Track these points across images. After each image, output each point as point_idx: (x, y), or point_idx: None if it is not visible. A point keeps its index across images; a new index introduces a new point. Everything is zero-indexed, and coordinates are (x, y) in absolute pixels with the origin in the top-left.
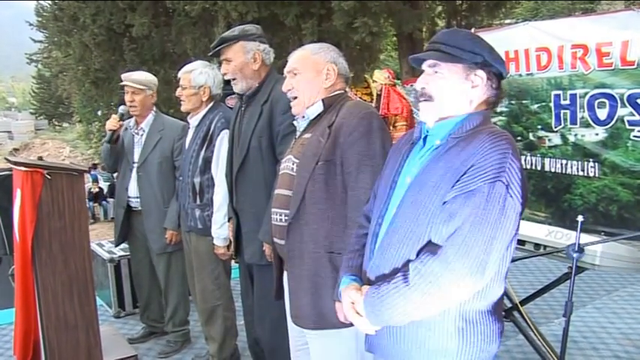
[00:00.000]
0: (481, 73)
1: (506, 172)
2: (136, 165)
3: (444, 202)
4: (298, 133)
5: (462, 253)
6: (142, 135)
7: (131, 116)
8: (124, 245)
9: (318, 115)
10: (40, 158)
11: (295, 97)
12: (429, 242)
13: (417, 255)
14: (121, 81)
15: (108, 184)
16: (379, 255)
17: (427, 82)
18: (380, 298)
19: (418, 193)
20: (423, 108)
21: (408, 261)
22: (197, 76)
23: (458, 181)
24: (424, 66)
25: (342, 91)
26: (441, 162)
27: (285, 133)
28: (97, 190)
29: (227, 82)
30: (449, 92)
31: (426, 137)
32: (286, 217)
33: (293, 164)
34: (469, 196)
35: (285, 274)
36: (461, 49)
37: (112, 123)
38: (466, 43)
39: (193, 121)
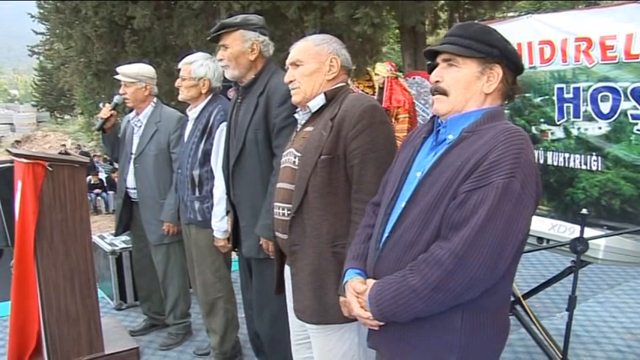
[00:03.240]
0: (497, 67)
1: (520, 169)
2: (133, 156)
3: (456, 197)
4: (299, 126)
5: (473, 249)
6: (140, 126)
7: (127, 106)
8: (125, 237)
9: (320, 107)
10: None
11: (296, 88)
12: (440, 237)
13: (427, 249)
14: None
15: (106, 176)
16: (387, 248)
17: (442, 75)
18: (386, 291)
19: (430, 187)
20: (437, 102)
21: (417, 255)
22: (197, 68)
23: (471, 175)
24: (439, 60)
25: (345, 84)
26: (453, 156)
27: (281, 125)
28: (97, 181)
29: None
30: (464, 86)
31: (438, 131)
32: (288, 211)
33: (295, 158)
34: (482, 192)
35: (286, 268)
36: (477, 43)
37: (103, 111)
38: (482, 37)
39: (192, 113)
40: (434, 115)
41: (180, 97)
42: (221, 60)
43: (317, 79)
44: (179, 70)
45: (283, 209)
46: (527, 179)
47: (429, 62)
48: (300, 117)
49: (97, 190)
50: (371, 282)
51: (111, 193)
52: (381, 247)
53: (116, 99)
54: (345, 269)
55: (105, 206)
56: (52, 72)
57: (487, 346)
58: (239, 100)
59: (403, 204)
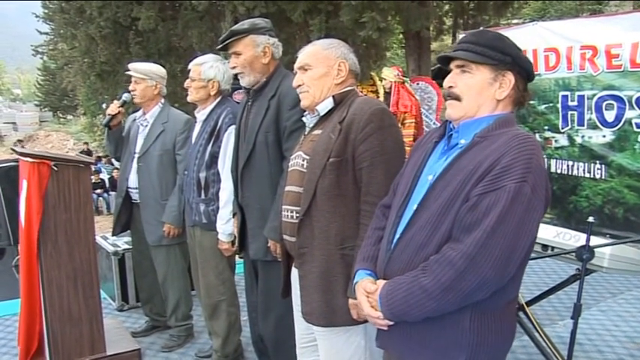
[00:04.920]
0: (509, 74)
1: (531, 174)
2: (136, 155)
3: (468, 200)
4: (307, 129)
5: (485, 251)
6: (146, 126)
7: (134, 104)
8: (127, 238)
9: (329, 111)
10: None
11: (305, 92)
12: (451, 238)
13: (438, 251)
14: (127, 74)
15: (108, 177)
16: (398, 249)
17: (455, 81)
18: (397, 291)
19: (442, 190)
20: (450, 107)
21: (428, 256)
22: (207, 69)
23: (483, 179)
24: (452, 65)
25: (353, 88)
26: (465, 160)
27: (292, 128)
28: (98, 180)
29: (235, 77)
30: (477, 92)
31: (450, 136)
32: (297, 214)
33: (303, 161)
34: (495, 195)
35: (293, 271)
36: (490, 50)
37: (111, 107)
38: (495, 44)
39: (200, 115)
40: (446, 120)
41: (189, 99)
42: (234, 67)
43: (325, 83)
44: (187, 71)
45: (291, 212)
46: (537, 184)
47: (433, 68)
48: (308, 120)
49: (99, 191)
50: (382, 282)
51: (113, 193)
52: (392, 248)
53: (125, 96)
54: (355, 270)
55: (107, 207)
56: (55, 72)
57: (495, 346)
58: (249, 103)
59: (415, 206)
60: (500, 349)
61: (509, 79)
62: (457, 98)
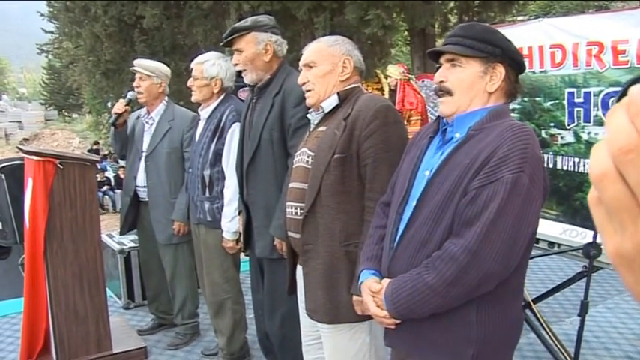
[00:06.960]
0: (499, 66)
1: (528, 164)
2: (144, 154)
3: (467, 194)
4: (312, 126)
5: (486, 244)
6: (151, 124)
7: (139, 102)
8: (133, 236)
9: (333, 108)
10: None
11: (310, 90)
12: (452, 233)
13: (440, 246)
14: (132, 73)
15: (114, 175)
16: (400, 247)
17: (446, 76)
18: (402, 289)
19: (440, 186)
20: (442, 102)
21: (431, 253)
22: (209, 67)
23: (480, 172)
24: (442, 60)
25: (357, 85)
26: (461, 154)
27: (297, 126)
28: (104, 179)
29: (239, 74)
30: (468, 86)
31: (444, 131)
32: (301, 211)
33: (308, 157)
34: (492, 187)
35: (298, 268)
36: (479, 43)
37: (117, 106)
38: (484, 37)
39: (204, 113)
40: (439, 116)
41: (193, 98)
42: (237, 64)
43: (330, 80)
44: (190, 69)
45: (296, 208)
46: (534, 173)
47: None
48: (313, 117)
49: (105, 189)
50: (386, 281)
51: (118, 192)
52: (394, 246)
53: (130, 94)
54: (359, 270)
55: (112, 205)
56: (60, 71)
57: (503, 337)
58: (254, 100)
59: (414, 203)
60: (508, 342)
61: (500, 71)
62: (449, 92)
